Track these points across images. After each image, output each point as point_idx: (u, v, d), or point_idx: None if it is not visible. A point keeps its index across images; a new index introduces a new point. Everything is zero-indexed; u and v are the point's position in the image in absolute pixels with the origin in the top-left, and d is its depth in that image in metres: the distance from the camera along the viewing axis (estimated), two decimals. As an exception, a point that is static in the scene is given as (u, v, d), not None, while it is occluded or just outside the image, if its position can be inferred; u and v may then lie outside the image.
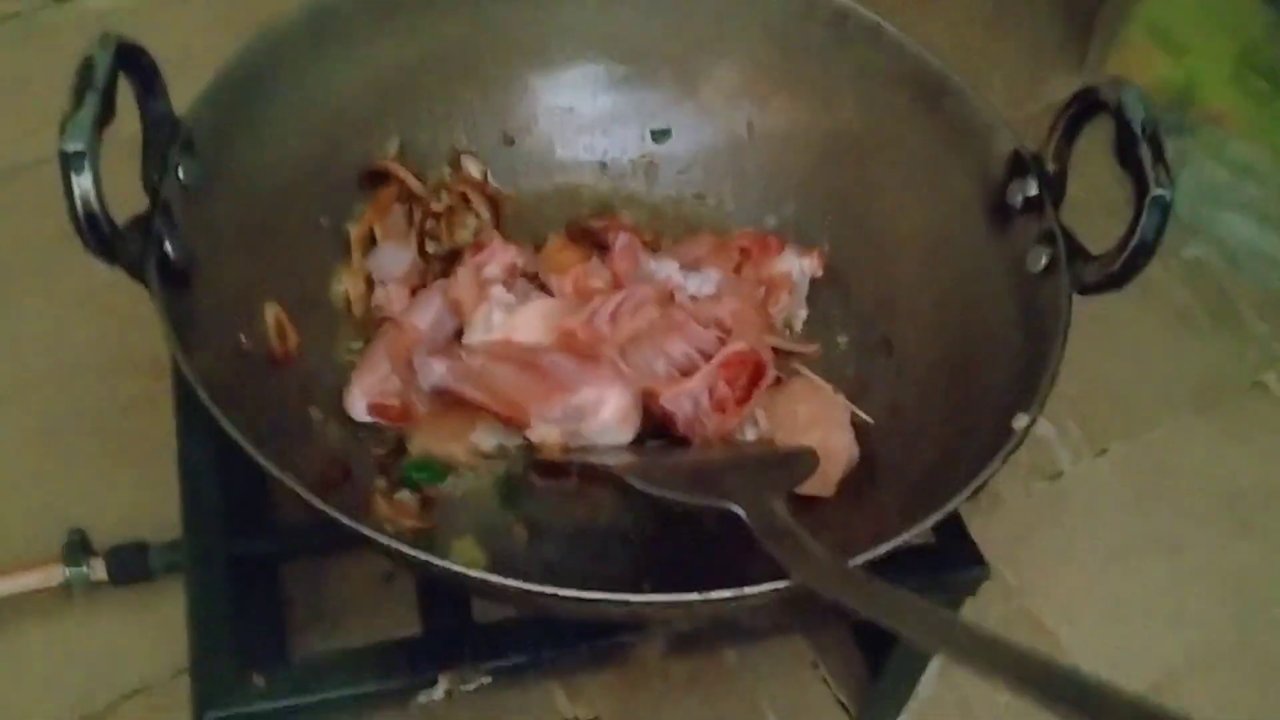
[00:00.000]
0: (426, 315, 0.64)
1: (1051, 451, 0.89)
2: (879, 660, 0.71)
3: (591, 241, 0.69)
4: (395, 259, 0.67)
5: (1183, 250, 1.02)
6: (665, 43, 0.74)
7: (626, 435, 0.61)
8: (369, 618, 0.74)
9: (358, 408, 0.63)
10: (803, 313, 0.71)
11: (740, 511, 0.52)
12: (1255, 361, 0.96)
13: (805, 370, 0.68)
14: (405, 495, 0.61)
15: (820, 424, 0.64)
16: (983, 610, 0.79)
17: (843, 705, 0.74)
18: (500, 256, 0.64)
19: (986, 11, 1.17)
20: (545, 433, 0.59)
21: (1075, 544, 0.84)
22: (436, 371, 0.61)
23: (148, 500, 0.75)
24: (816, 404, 0.66)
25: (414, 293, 0.66)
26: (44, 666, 0.72)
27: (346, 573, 0.75)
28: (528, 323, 0.61)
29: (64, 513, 0.72)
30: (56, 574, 0.69)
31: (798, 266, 0.69)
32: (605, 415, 0.60)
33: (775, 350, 0.66)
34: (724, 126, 0.76)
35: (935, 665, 0.75)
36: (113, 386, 0.84)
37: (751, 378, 0.62)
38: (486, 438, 0.62)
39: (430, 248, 0.68)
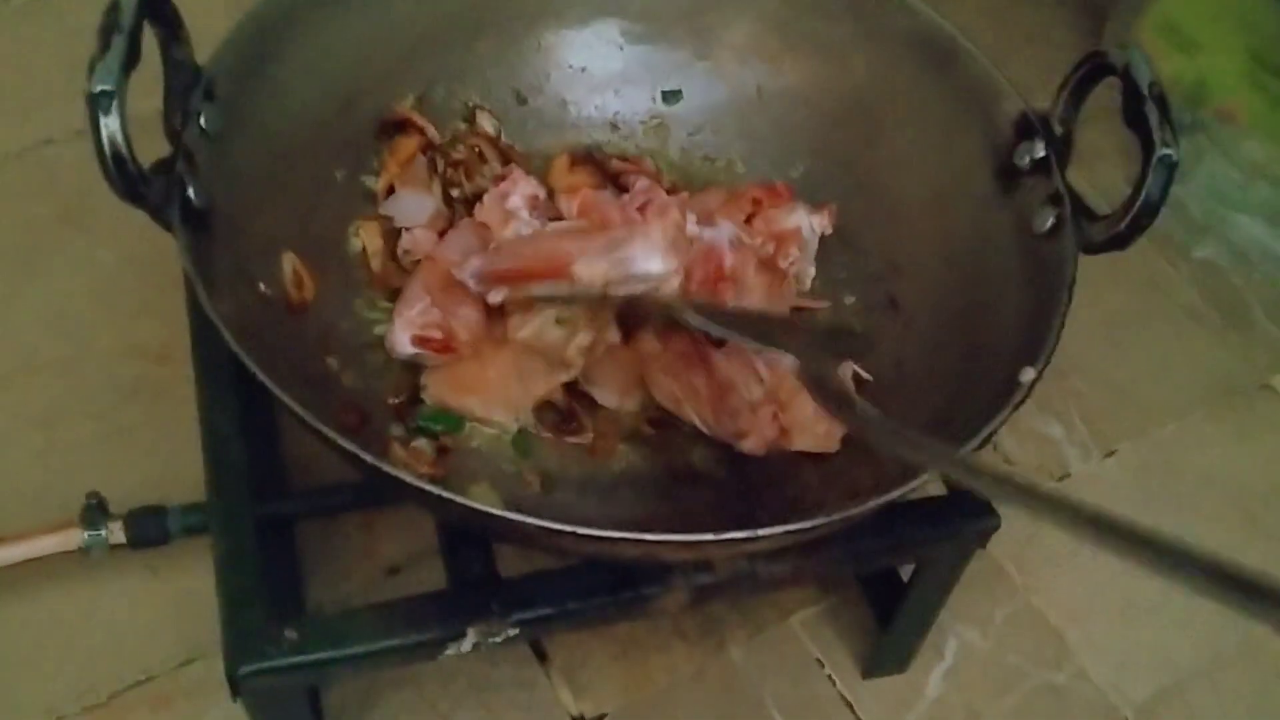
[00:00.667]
0: (457, 247, 0.65)
1: (1060, 452, 0.89)
2: (889, 610, 0.72)
3: (605, 176, 0.70)
4: (418, 206, 0.68)
5: (1194, 250, 1.02)
6: (678, 2, 0.75)
7: (670, 265, 0.60)
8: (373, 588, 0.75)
9: (401, 342, 0.63)
10: (811, 270, 0.72)
11: (794, 363, 0.53)
12: (1265, 362, 0.96)
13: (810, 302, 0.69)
14: (422, 443, 0.62)
15: None
16: (990, 609, 0.80)
17: (847, 703, 0.75)
18: (522, 187, 0.65)
19: (1002, 5, 1.17)
20: (590, 270, 0.58)
21: (1082, 545, 0.84)
22: (475, 264, 0.61)
23: (152, 481, 0.76)
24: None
25: (441, 235, 0.67)
26: (51, 647, 0.72)
27: (350, 569, 0.76)
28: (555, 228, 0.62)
29: (68, 492, 0.71)
30: (75, 537, 0.69)
31: (808, 223, 0.70)
32: (645, 243, 0.59)
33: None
34: (734, 88, 0.76)
35: (943, 666, 0.77)
36: (116, 372, 0.83)
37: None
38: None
39: (453, 193, 0.69)
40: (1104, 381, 0.93)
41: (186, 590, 0.73)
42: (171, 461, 0.77)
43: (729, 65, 0.76)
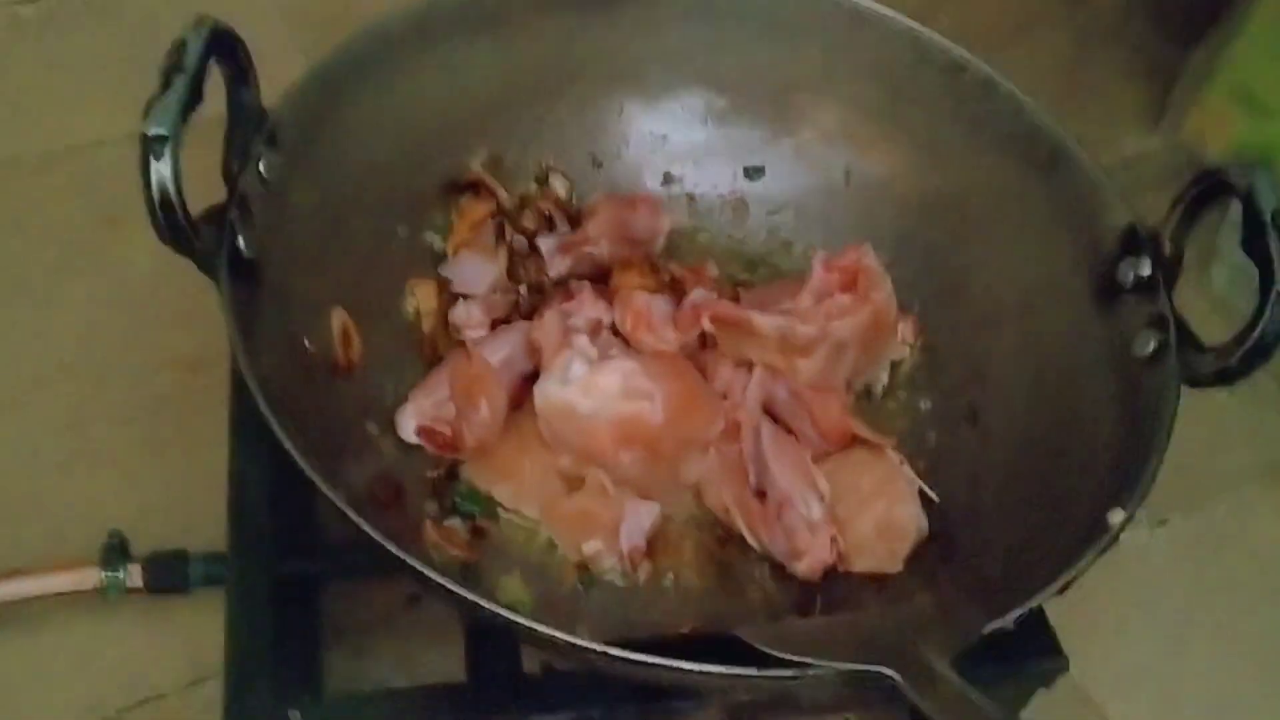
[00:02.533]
0: (500, 351, 0.62)
1: (1111, 518, 0.85)
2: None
3: (670, 277, 0.67)
4: (480, 272, 0.65)
5: (1256, 321, 0.98)
6: (769, 78, 0.72)
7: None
8: (393, 639, 0.70)
9: (407, 427, 0.61)
10: (884, 377, 0.68)
11: (895, 676, 0.46)
12: (1321, 440, 0.91)
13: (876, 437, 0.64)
14: (456, 523, 0.59)
15: (884, 495, 0.61)
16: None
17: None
18: (589, 310, 0.62)
19: (1065, 60, 1.13)
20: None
21: (1129, 617, 0.79)
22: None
23: (175, 499, 0.73)
24: (880, 474, 0.62)
25: (494, 325, 0.65)
26: (61, 670, 0.69)
27: (371, 595, 0.72)
28: (606, 382, 0.59)
29: (90, 506, 0.70)
30: (92, 577, 0.67)
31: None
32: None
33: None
34: (820, 170, 0.73)
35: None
36: (144, 382, 0.81)
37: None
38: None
39: (520, 274, 0.66)
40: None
41: (200, 615, 0.69)
42: (199, 474, 0.73)
43: (817, 147, 0.73)
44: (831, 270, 0.63)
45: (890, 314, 0.64)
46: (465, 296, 0.65)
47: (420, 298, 0.65)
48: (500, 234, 0.67)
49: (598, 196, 0.71)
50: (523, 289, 0.66)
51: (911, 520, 0.61)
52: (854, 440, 0.63)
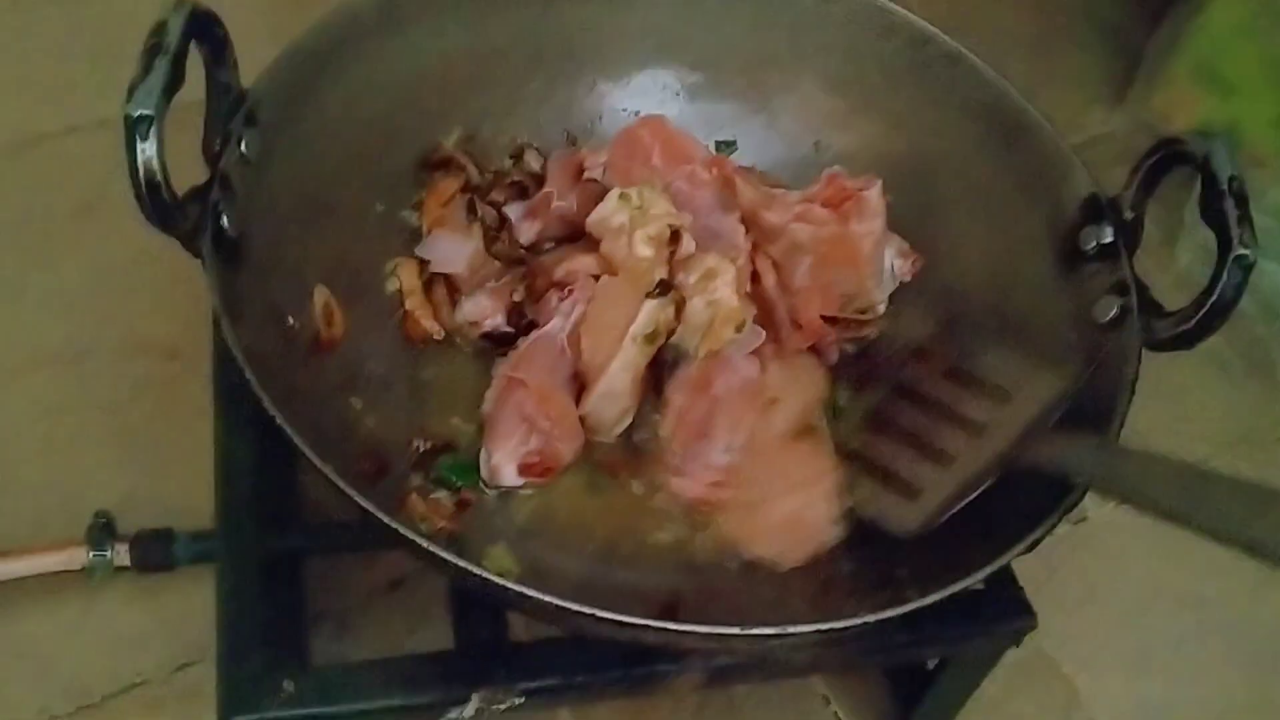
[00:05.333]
0: (542, 365, 0.61)
1: (1078, 494, 0.87)
2: (911, 704, 0.69)
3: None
4: (455, 250, 0.65)
5: (1221, 297, 1.00)
6: (739, 53, 0.73)
7: None
8: (374, 623, 0.73)
9: (507, 475, 0.60)
10: (881, 307, 0.68)
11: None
12: (1283, 413, 0.94)
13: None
14: (441, 495, 0.60)
15: (804, 492, 0.60)
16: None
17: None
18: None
19: (1031, 37, 1.15)
20: None
21: (1098, 590, 0.82)
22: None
23: (156, 483, 0.75)
24: (811, 471, 0.61)
25: (509, 312, 0.64)
26: (48, 652, 0.71)
27: (351, 579, 0.74)
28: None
29: (72, 492, 0.70)
30: (79, 557, 0.68)
31: (891, 262, 0.67)
32: None
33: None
34: (791, 143, 0.74)
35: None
36: (123, 367, 0.82)
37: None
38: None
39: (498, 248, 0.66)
40: (1126, 425, 0.91)
41: (185, 596, 0.71)
42: (179, 459, 0.76)
43: (787, 121, 0.74)
44: (831, 185, 0.64)
45: (864, 250, 0.64)
46: (446, 276, 0.65)
47: (404, 276, 0.65)
48: (471, 209, 0.67)
49: (551, 155, 0.70)
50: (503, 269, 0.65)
51: (820, 526, 0.59)
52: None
